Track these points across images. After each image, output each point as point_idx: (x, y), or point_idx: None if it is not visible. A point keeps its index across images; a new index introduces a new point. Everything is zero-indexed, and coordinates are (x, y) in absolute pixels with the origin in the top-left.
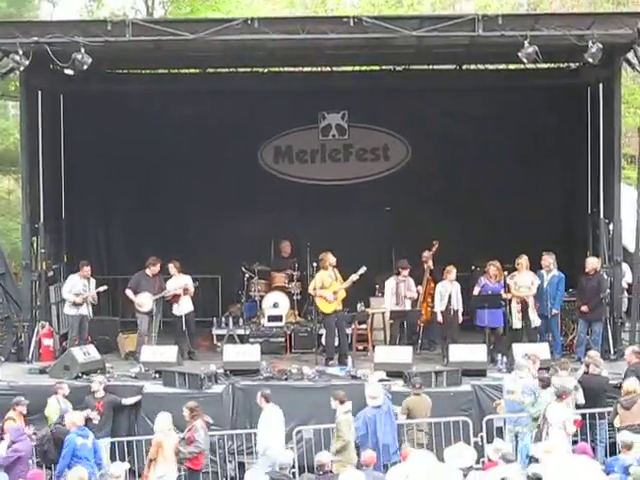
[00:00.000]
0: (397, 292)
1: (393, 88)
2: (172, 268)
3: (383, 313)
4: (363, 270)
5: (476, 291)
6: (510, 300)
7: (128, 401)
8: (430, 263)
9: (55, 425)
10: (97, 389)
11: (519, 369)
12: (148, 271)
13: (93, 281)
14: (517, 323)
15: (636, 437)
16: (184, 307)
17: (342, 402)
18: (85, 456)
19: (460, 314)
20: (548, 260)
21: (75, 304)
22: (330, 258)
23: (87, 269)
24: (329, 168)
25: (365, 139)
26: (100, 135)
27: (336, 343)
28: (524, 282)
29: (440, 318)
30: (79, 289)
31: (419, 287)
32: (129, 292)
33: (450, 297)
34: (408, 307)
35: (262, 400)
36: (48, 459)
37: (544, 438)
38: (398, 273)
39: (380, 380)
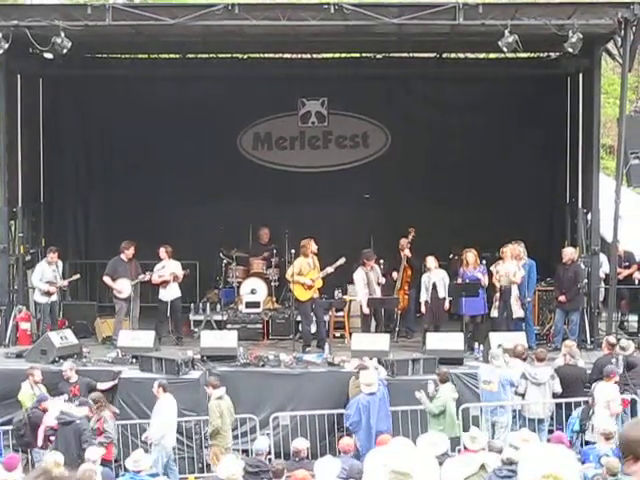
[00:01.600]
0: (368, 282)
1: (373, 76)
2: (163, 252)
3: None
4: (341, 262)
5: (459, 282)
6: (491, 288)
7: (103, 386)
8: (407, 251)
9: (32, 409)
10: (69, 375)
11: (494, 358)
12: (123, 256)
13: (60, 264)
14: (494, 312)
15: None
16: (171, 293)
17: (215, 387)
18: None
19: (447, 302)
20: (518, 249)
21: (47, 293)
22: (312, 246)
23: (54, 255)
24: (308, 155)
25: (345, 126)
26: (79, 119)
27: (313, 330)
28: (507, 271)
29: (423, 309)
30: (50, 277)
31: (394, 273)
32: (107, 279)
33: (434, 286)
34: (379, 294)
35: (159, 390)
36: (24, 443)
37: (591, 416)
38: (364, 264)
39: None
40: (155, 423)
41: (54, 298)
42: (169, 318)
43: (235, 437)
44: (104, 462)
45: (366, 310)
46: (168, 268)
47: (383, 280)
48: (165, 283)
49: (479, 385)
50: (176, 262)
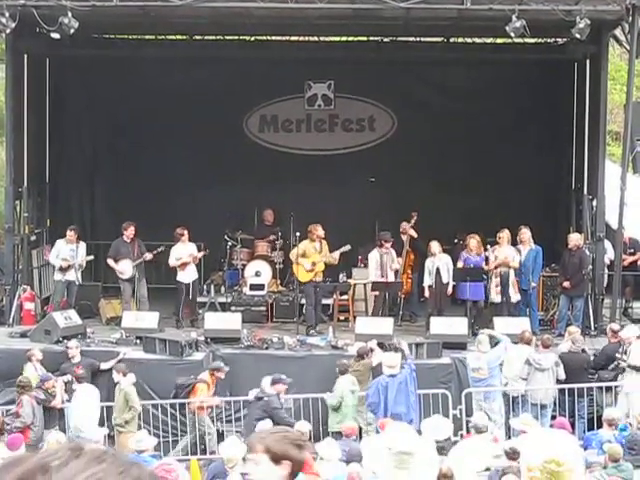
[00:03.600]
0: (381, 264)
1: (380, 59)
2: (185, 235)
3: (365, 284)
4: (346, 249)
5: (459, 266)
6: (490, 274)
7: (107, 365)
8: (411, 233)
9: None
10: (74, 353)
11: (480, 344)
12: (124, 237)
13: (83, 245)
14: (495, 297)
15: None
16: (190, 275)
17: (125, 374)
18: None
19: (450, 287)
20: (526, 234)
21: (61, 269)
22: (318, 231)
23: (72, 234)
24: (314, 138)
25: (351, 110)
26: (85, 100)
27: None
28: (504, 256)
29: (427, 293)
30: (66, 254)
31: (399, 258)
32: (110, 261)
33: (438, 271)
34: (392, 279)
35: (75, 381)
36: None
37: None
38: (381, 245)
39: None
40: (78, 414)
41: (70, 277)
42: (188, 299)
43: (238, 419)
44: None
45: (375, 292)
46: (185, 250)
47: (398, 266)
48: (184, 265)
49: (468, 374)
50: (192, 244)
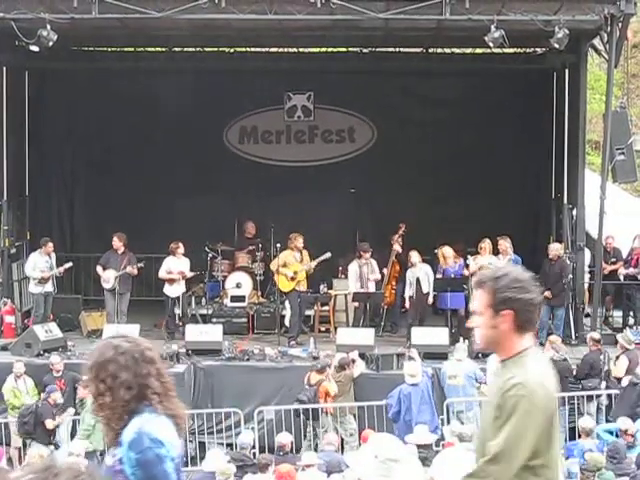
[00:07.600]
0: (361, 275)
1: (359, 70)
2: (180, 249)
3: (345, 295)
4: (326, 256)
5: (439, 277)
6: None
7: None
8: (397, 246)
9: (42, 401)
10: (59, 368)
11: (456, 352)
12: (114, 247)
13: (54, 256)
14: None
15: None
16: (177, 289)
17: None
18: None
19: (430, 297)
20: (504, 245)
21: (41, 282)
22: (297, 241)
23: (50, 245)
24: (294, 149)
25: (331, 121)
26: (65, 112)
27: (287, 320)
28: (482, 265)
29: (407, 304)
30: (43, 266)
31: (384, 269)
32: (98, 267)
33: (418, 281)
34: (372, 289)
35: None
36: (26, 431)
37: None
38: (360, 256)
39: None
40: None
41: (49, 288)
42: (173, 313)
43: (219, 431)
44: None
45: (355, 303)
46: (177, 266)
47: (378, 277)
48: (171, 281)
49: (445, 382)
50: (186, 260)
